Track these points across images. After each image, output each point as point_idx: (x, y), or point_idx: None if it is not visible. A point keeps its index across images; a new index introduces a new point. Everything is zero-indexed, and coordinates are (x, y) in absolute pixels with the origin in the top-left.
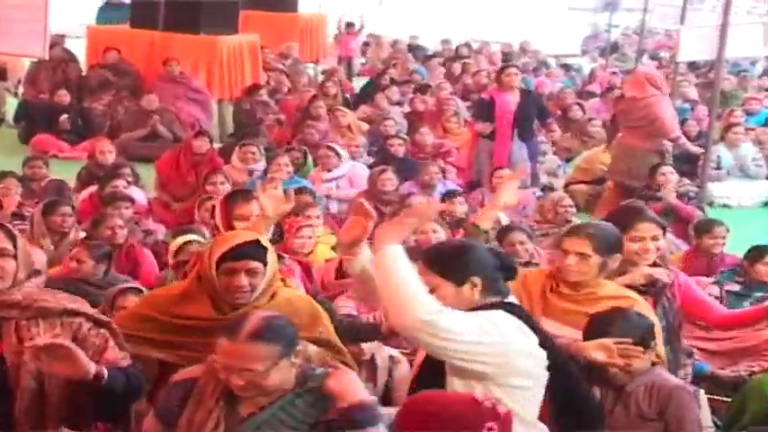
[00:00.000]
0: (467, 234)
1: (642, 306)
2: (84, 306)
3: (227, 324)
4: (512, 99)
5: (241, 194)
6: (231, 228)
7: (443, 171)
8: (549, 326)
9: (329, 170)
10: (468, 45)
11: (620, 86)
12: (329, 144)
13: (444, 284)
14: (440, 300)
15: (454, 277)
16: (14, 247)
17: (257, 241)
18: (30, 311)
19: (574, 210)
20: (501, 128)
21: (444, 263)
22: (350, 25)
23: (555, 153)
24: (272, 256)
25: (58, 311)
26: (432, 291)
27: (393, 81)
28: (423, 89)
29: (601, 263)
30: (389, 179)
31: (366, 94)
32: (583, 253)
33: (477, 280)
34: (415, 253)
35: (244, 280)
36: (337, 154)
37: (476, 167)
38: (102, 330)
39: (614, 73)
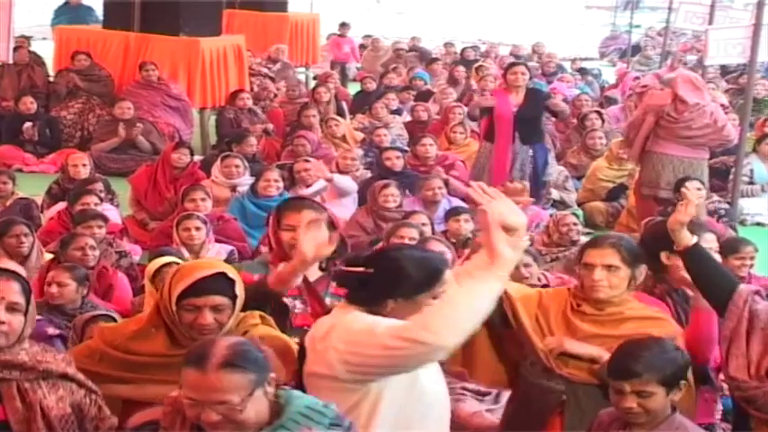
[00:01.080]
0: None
1: (672, 327)
2: (77, 372)
3: (189, 353)
4: (514, 99)
5: (292, 202)
6: (279, 240)
7: (448, 186)
8: (575, 346)
9: (308, 185)
10: (474, 48)
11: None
12: (305, 158)
13: None
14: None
15: None
16: (27, 302)
17: (223, 274)
18: (34, 373)
19: (579, 228)
20: (500, 129)
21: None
22: (343, 26)
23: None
24: (240, 290)
25: (58, 374)
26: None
27: (388, 88)
28: (424, 96)
29: (630, 276)
30: (392, 195)
31: (362, 102)
32: (611, 265)
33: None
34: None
35: (209, 317)
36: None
37: (475, 172)
38: (94, 397)
39: (637, 77)
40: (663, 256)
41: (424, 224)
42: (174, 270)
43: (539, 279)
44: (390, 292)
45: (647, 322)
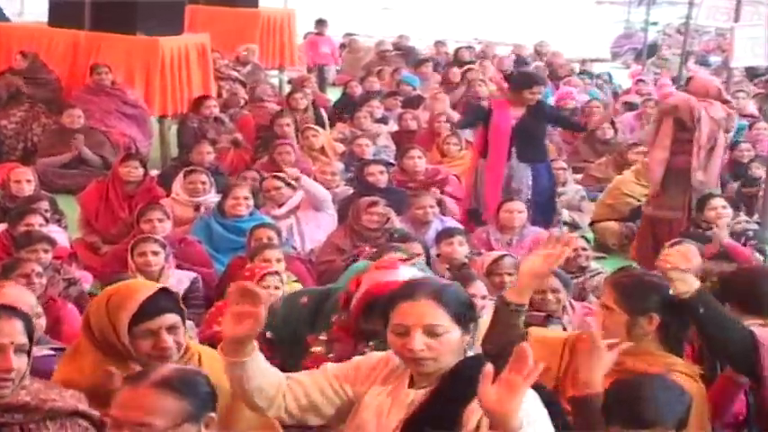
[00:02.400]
0: (497, 315)
1: (689, 385)
2: (90, 409)
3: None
4: (514, 112)
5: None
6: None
7: (440, 204)
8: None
9: (280, 204)
10: (470, 48)
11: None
12: (275, 174)
13: (454, 331)
14: (441, 349)
15: (465, 323)
16: (30, 341)
17: (165, 289)
18: (39, 414)
19: (588, 253)
20: (494, 143)
21: (460, 305)
22: (321, 23)
23: (581, 181)
24: (181, 305)
25: (67, 412)
26: (438, 336)
27: (369, 93)
28: (413, 102)
29: (627, 321)
30: (380, 214)
31: (343, 109)
32: (606, 306)
33: (474, 327)
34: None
35: (169, 339)
36: (287, 183)
37: (474, 194)
38: None
39: (641, 80)
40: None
41: (418, 254)
42: (104, 296)
43: (564, 309)
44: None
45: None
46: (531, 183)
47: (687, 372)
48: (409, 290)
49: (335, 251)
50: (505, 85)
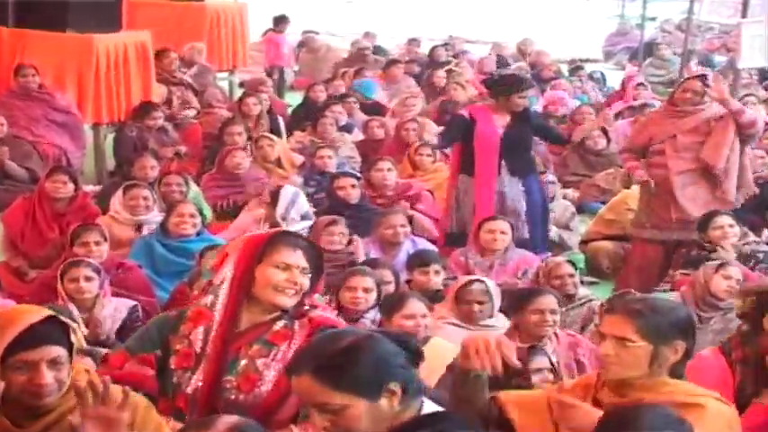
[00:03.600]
0: (456, 385)
1: (713, 420)
2: None
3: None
4: (500, 120)
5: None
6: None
7: (411, 222)
8: None
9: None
10: (447, 46)
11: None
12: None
13: (355, 403)
14: (346, 424)
15: (367, 390)
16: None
17: (53, 318)
18: None
19: (576, 280)
20: (482, 157)
21: (349, 374)
22: (281, 20)
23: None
24: (75, 338)
25: None
26: (335, 413)
27: (331, 98)
28: (372, 110)
29: (651, 352)
30: (340, 234)
31: (303, 116)
32: (624, 338)
33: (395, 386)
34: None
35: (47, 375)
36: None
37: (456, 214)
38: None
39: (641, 84)
40: (766, 320)
41: (387, 282)
42: None
43: (549, 339)
44: None
45: (682, 409)
46: (524, 199)
47: (718, 398)
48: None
49: None
50: (485, 89)
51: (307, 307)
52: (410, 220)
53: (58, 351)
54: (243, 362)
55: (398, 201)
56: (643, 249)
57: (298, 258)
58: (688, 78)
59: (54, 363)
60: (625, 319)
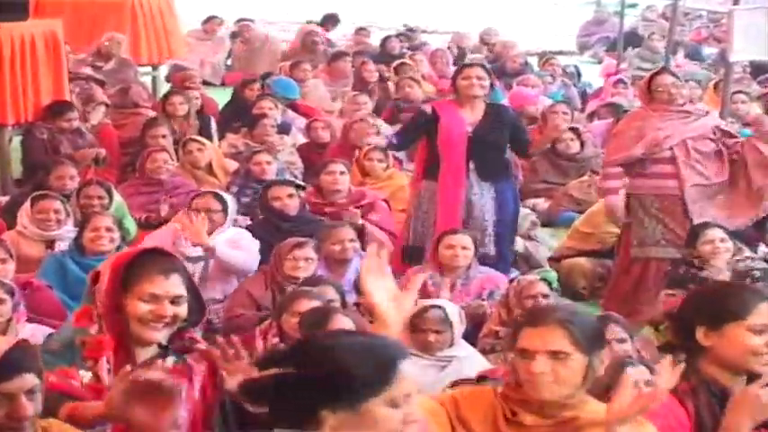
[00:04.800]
0: None
1: None
2: None
3: None
4: (468, 117)
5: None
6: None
7: (362, 234)
8: None
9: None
10: (403, 36)
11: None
12: (207, 191)
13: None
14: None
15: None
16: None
17: (24, 343)
18: None
19: (550, 301)
20: (447, 158)
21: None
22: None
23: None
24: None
25: None
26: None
27: (264, 95)
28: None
29: (585, 366)
30: (308, 259)
31: (236, 116)
32: (559, 351)
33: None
34: None
35: (28, 406)
36: (210, 219)
37: (414, 225)
38: None
39: (619, 81)
40: (699, 332)
41: (331, 300)
42: None
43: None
44: (325, 401)
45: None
46: (494, 208)
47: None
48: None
49: (249, 303)
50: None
51: (186, 343)
52: (362, 232)
53: (34, 380)
54: None
55: (352, 210)
56: (659, 268)
57: (169, 286)
58: (654, 75)
59: (30, 392)
60: (558, 330)
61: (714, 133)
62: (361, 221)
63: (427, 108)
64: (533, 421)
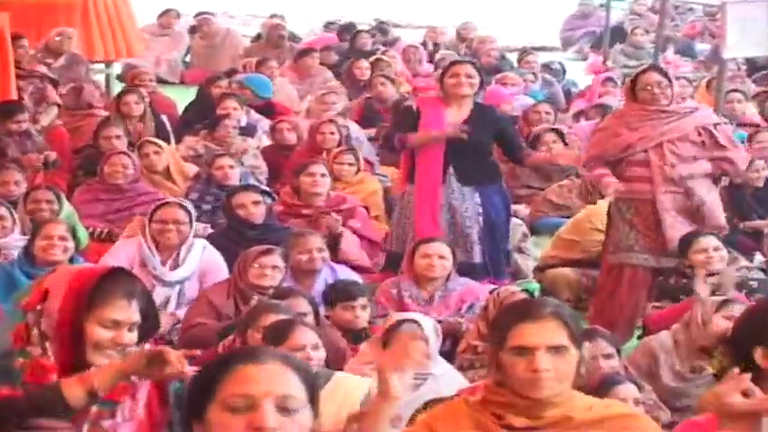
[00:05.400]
0: None
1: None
2: None
3: None
4: (452, 116)
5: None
6: None
7: (335, 244)
8: None
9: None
10: (376, 31)
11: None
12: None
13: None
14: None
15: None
16: None
17: None
18: None
19: None
20: (423, 159)
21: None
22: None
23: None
24: None
25: None
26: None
27: (228, 94)
28: (264, 109)
29: (578, 360)
30: (276, 267)
31: (196, 117)
32: (559, 346)
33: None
34: None
35: None
36: (179, 231)
37: (397, 231)
38: None
39: (608, 79)
40: (757, 353)
41: (303, 314)
42: None
43: None
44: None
45: (614, 423)
46: (480, 214)
47: None
48: None
49: (210, 313)
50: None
51: None
52: (337, 240)
53: None
54: (85, 427)
55: (331, 216)
56: (633, 276)
57: (130, 312)
58: (641, 72)
59: None
60: (555, 324)
61: (699, 134)
62: (340, 228)
63: (412, 104)
64: (524, 423)
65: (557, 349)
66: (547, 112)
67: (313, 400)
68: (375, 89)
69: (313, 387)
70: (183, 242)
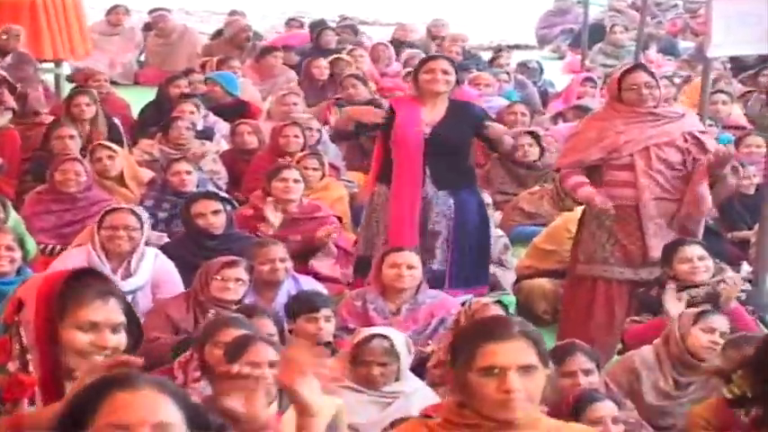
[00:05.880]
0: None
1: None
2: None
3: None
4: (427, 116)
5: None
6: None
7: (310, 253)
8: None
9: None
10: (344, 27)
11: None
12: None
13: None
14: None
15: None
16: None
17: None
18: None
19: None
20: (401, 161)
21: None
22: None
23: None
24: None
25: None
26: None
27: (186, 96)
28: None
29: (545, 380)
30: (239, 280)
31: (152, 120)
32: (529, 365)
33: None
34: None
35: None
36: (130, 237)
37: (366, 234)
38: None
39: (588, 79)
40: None
41: (271, 334)
42: None
43: None
44: None
45: None
46: (453, 220)
47: None
48: None
49: (166, 326)
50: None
51: None
52: (313, 251)
53: None
54: None
55: (300, 222)
56: (608, 290)
57: (108, 312)
58: (627, 71)
59: None
60: (524, 343)
61: (685, 140)
62: (335, 237)
63: (384, 103)
64: None
65: (526, 369)
66: (523, 113)
67: (193, 425)
68: (346, 90)
69: (192, 412)
70: (134, 250)
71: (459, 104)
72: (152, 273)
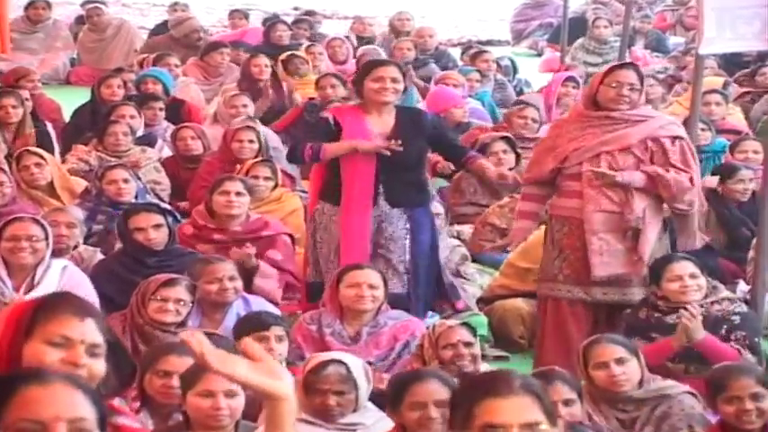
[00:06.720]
0: None
1: None
2: None
3: None
4: (376, 127)
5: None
6: None
7: (249, 277)
8: None
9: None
10: (299, 22)
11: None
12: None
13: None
14: None
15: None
16: None
17: None
18: None
19: (475, 351)
20: (350, 179)
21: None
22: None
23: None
24: None
25: None
26: None
27: (134, 97)
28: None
29: None
30: (180, 301)
31: (86, 123)
32: (533, 423)
33: None
34: None
35: None
36: (34, 249)
37: (312, 257)
38: None
39: (569, 79)
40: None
41: None
42: None
43: None
44: None
45: None
46: (408, 239)
47: None
48: None
49: None
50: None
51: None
52: (251, 274)
53: None
54: None
55: (246, 246)
56: (573, 311)
57: (84, 329)
58: (615, 67)
59: None
60: (529, 399)
61: (645, 147)
62: (255, 261)
63: (327, 116)
64: None
65: (531, 427)
66: (534, 120)
67: (102, 425)
68: (323, 91)
69: (102, 410)
70: (38, 262)
71: (408, 112)
72: (59, 285)
